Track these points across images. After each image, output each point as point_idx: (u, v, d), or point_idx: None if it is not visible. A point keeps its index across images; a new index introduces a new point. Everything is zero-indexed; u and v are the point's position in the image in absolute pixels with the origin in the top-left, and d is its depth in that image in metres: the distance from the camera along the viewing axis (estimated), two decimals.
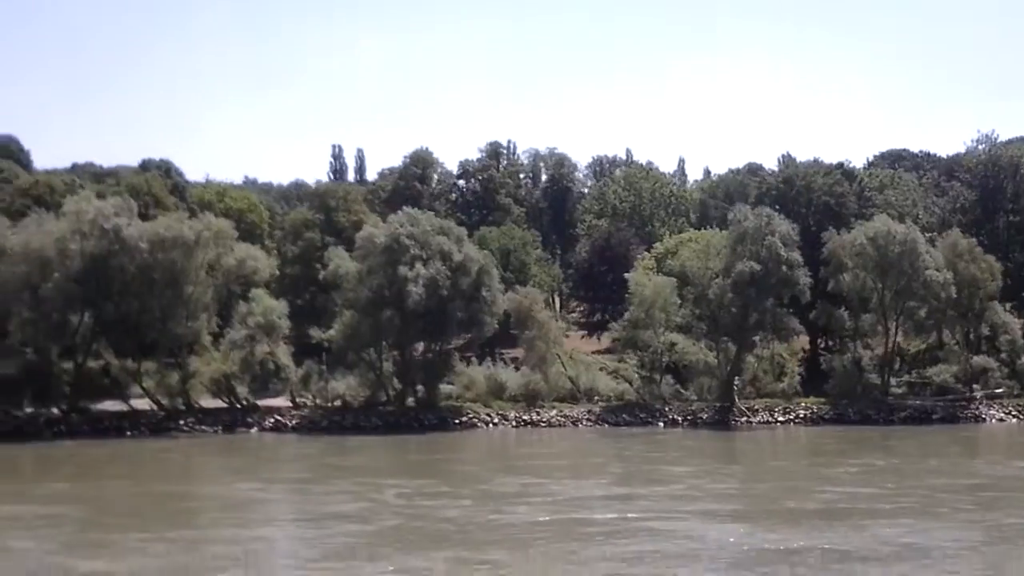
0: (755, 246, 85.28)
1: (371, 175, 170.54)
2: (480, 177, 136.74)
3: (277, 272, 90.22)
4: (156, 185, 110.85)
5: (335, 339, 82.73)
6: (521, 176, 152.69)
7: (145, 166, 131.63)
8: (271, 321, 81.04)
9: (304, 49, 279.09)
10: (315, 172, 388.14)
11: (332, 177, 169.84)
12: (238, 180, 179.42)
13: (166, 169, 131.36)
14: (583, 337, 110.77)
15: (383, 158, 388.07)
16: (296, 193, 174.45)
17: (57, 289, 75.73)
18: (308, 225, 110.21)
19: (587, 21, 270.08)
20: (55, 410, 77.92)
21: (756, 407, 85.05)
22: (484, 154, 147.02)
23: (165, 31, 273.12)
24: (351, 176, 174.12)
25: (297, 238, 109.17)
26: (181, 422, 78.24)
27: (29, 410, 77.20)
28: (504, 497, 51.51)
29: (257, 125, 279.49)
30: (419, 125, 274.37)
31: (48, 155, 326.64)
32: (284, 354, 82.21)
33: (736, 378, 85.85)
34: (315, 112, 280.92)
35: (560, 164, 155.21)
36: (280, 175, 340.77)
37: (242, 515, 47.57)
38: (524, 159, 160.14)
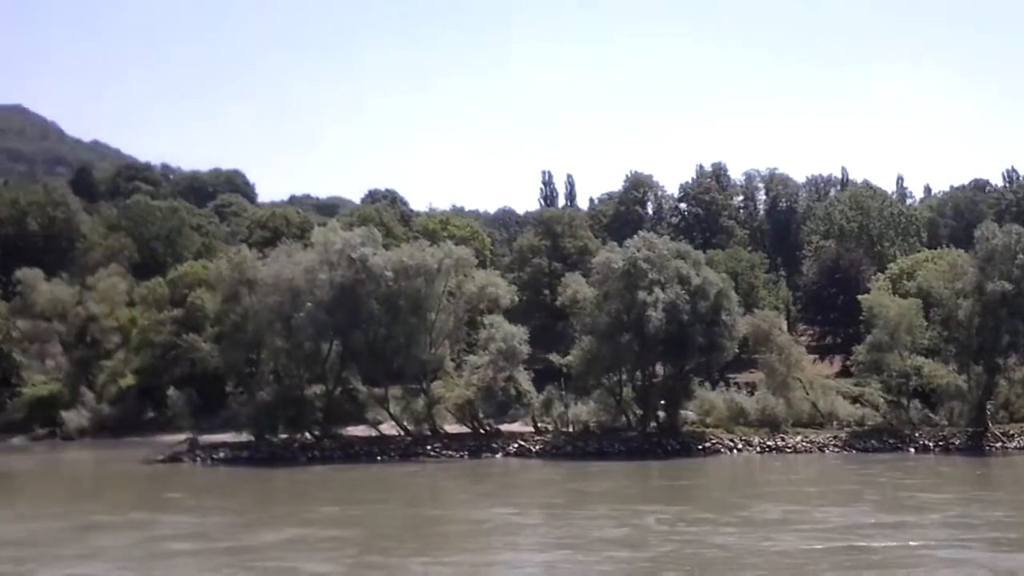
0: (1005, 265, 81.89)
1: (581, 200, 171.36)
2: (703, 199, 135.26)
3: (517, 299, 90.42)
4: (386, 215, 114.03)
5: (574, 364, 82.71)
6: (741, 197, 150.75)
7: (372, 196, 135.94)
8: (512, 347, 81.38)
9: (509, 78, 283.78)
10: (522, 198, 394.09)
11: (543, 203, 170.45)
12: (446, 208, 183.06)
13: (391, 199, 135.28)
14: (814, 361, 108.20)
15: (593, 183, 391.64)
16: (510, 219, 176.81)
17: (309, 318, 78.11)
18: (534, 251, 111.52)
19: (794, 38, 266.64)
20: (308, 435, 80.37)
21: (1011, 432, 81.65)
22: (697, 175, 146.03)
23: (347, 67, 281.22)
24: (561, 202, 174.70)
25: (524, 264, 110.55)
26: (428, 447, 79.50)
27: (283, 436, 79.90)
28: (768, 524, 50.29)
29: (464, 154, 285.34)
30: (627, 148, 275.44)
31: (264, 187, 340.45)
32: (525, 379, 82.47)
33: (988, 402, 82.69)
34: (521, 139, 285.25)
35: (783, 184, 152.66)
36: (486, 202, 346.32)
37: (510, 539, 47.89)
38: (740, 180, 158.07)
